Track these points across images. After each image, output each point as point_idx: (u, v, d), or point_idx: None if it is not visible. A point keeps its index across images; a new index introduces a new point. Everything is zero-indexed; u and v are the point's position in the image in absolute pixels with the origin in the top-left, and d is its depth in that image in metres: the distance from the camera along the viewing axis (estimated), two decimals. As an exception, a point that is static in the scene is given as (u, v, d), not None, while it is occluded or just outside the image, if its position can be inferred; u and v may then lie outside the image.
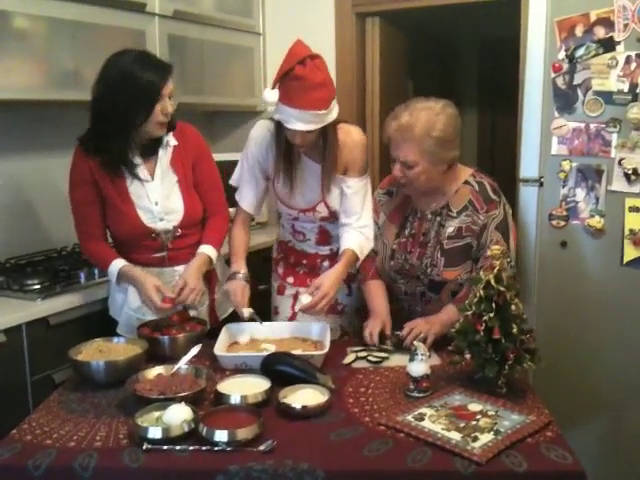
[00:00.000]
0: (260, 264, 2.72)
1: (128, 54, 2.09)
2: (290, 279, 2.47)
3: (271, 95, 2.06)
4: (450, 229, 2.13)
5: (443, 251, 2.12)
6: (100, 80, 2.08)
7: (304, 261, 2.46)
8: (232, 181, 2.39)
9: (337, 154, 2.22)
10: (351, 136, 2.28)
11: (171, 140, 2.23)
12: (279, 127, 2.17)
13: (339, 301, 2.43)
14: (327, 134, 2.17)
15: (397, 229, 2.23)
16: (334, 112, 2.13)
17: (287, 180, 2.27)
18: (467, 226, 2.11)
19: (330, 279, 2.15)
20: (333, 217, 2.35)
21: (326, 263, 2.44)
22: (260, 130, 2.31)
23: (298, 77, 2.00)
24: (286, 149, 2.22)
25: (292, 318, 2.43)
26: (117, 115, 2.05)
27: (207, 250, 2.25)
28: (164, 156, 2.22)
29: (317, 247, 2.44)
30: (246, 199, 2.36)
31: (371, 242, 2.29)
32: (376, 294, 2.25)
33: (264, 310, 2.52)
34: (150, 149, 2.19)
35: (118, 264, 2.15)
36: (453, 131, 2.05)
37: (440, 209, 2.16)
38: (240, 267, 2.24)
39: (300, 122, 2.05)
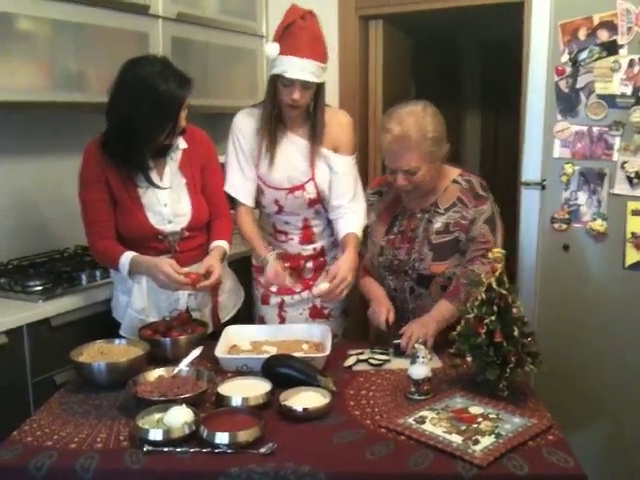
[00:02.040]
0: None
1: (147, 64, 2.07)
2: (273, 287, 2.42)
3: (273, 48, 2.13)
4: (438, 225, 2.15)
5: (431, 246, 2.14)
6: (119, 89, 2.07)
7: (287, 264, 2.41)
8: (225, 187, 2.38)
9: (325, 125, 2.28)
10: (337, 117, 2.35)
11: (181, 143, 2.23)
12: (271, 98, 2.22)
13: (325, 305, 2.43)
14: (318, 99, 2.24)
15: (386, 227, 2.25)
16: (326, 74, 2.21)
17: (273, 157, 2.28)
18: (455, 221, 2.14)
19: (345, 264, 2.14)
20: (319, 202, 2.36)
21: (310, 264, 2.44)
22: (243, 117, 2.35)
23: (302, 27, 2.12)
24: (274, 125, 2.26)
25: None
26: (138, 127, 2.05)
27: (222, 244, 2.28)
28: (174, 159, 2.23)
29: (301, 246, 2.43)
30: (242, 190, 2.35)
31: (365, 218, 2.33)
32: (373, 285, 2.27)
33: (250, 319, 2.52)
34: (161, 152, 2.20)
35: (129, 255, 2.14)
36: (442, 127, 2.10)
37: (429, 206, 2.18)
38: (264, 251, 2.28)
39: (302, 71, 2.12)
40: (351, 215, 2.32)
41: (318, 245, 2.43)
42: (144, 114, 2.03)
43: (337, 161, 2.32)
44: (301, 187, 2.32)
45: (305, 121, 2.29)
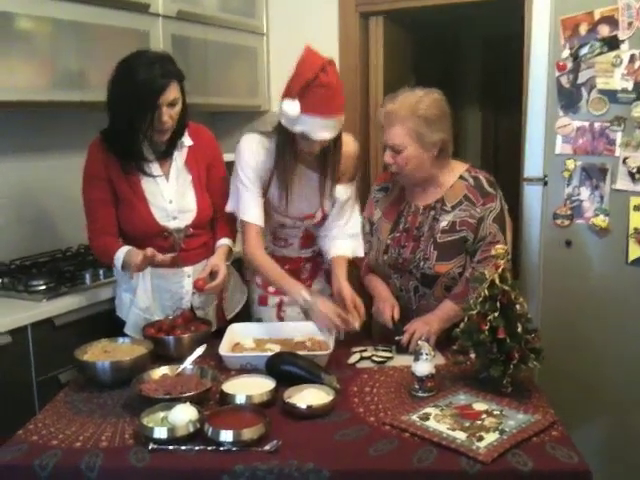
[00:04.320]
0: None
1: (143, 56, 2.07)
2: (271, 288, 2.38)
3: (293, 107, 1.98)
4: (444, 223, 2.13)
5: (436, 245, 2.13)
6: (112, 79, 2.09)
7: (286, 266, 2.34)
8: (229, 207, 2.27)
9: (340, 164, 2.21)
10: (346, 146, 2.25)
11: (186, 140, 2.24)
12: (286, 139, 2.11)
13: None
14: (337, 142, 2.15)
15: (392, 224, 2.24)
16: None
17: (286, 191, 2.20)
18: (462, 220, 2.12)
19: (347, 287, 2.15)
20: (324, 220, 2.35)
21: (308, 265, 2.42)
22: (254, 145, 2.20)
23: (324, 85, 1.96)
24: (289, 161, 2.16)
25: None
26: (122, 115, 2.06)
27: (227, 242, 2.28)
28: (179, 156, 2.23)
29: (300, 251, 2.40)
30: (255, 214, 2.20)
31: (362, 244, 2.30)
32: (377, 282, 2.27)
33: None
34: (167, 150, 2.20)
35: (125, 249, 2.11)
36: (437, 112, 2.07)
37: (434, 203, 2.16)
38: (302, 289, 2.09)
39: (326, 131, 2.03)
40: (347, 239, 2.29)
41: (317, 247, 2.42)
42: (124, 101, 2.04)
43: (340, 190, 2.27)
44: (311, 216, 2.30)
45: (317, 155, 2.18)
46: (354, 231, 2.31)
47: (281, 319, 2.40)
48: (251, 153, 2.19)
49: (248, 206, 2.20)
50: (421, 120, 2.03)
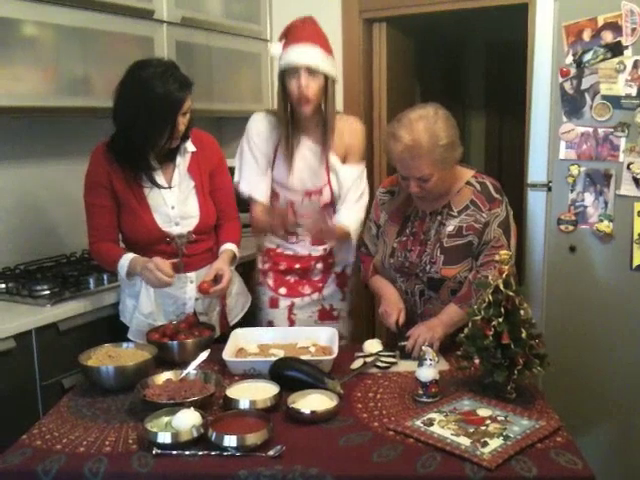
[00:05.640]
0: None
1: (150, 66, 2.08)
2: (282, 290, 2.43)
3: (277, 46, 2.29)
4: (450, 227, 2.13)
5: (443, 249, 2.12)
6: (122, 90, 2.09)
7: (297, 265, 2.43)
8: (237, 180, 2.40)
9: (334, 126, 2.33)
10: (351, 123, 2.40)
11: (189, 146, 2.25)
12: (284, 98, 2.28)
13: (334, 307, 2.43)
14: (327, 97, 2.29)
15: (398, 228, 2.23)
16: (334, 69, 2.29)
17: (290, 162, 2.30)
18: (469, 225, 2.11)
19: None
20: (332, 205, 2.39)
21: (320, 265, 2.44)
22: (258, 120, 2.39)
23: (302, 23, 2.28)
24: (290, 130, 2.29)
25: None
26: (139, 129, 2.07)
27: (231, 247, 2.29)
28: (182, 162, 2.24)
29: (312, 247, 2.43)
30: (261, 190, 2.35)
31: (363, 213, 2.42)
32: (383, 283, 2.27)
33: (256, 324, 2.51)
34: (169, 155, 2.21)
35: (129, 256, 2.13)
36: (455, 132, 2.05)
37: (441, 208, 2.16)
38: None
39: (303, 56, 2.20)
40: (352, 211, 2.37)
41: (328, 246, 2.43)
42: (141, 116, 2.04)
43: (347, 169, 2.33)
44: (318, 192, 2.33)
45: (318, 126, 2.33)
46: (360, 211, 2.40)
47: (292, 322, 2.42)
48: (259, 125, 2.37)
49: (257, 184, 2.36)
50: (443, 148, 2.00)
